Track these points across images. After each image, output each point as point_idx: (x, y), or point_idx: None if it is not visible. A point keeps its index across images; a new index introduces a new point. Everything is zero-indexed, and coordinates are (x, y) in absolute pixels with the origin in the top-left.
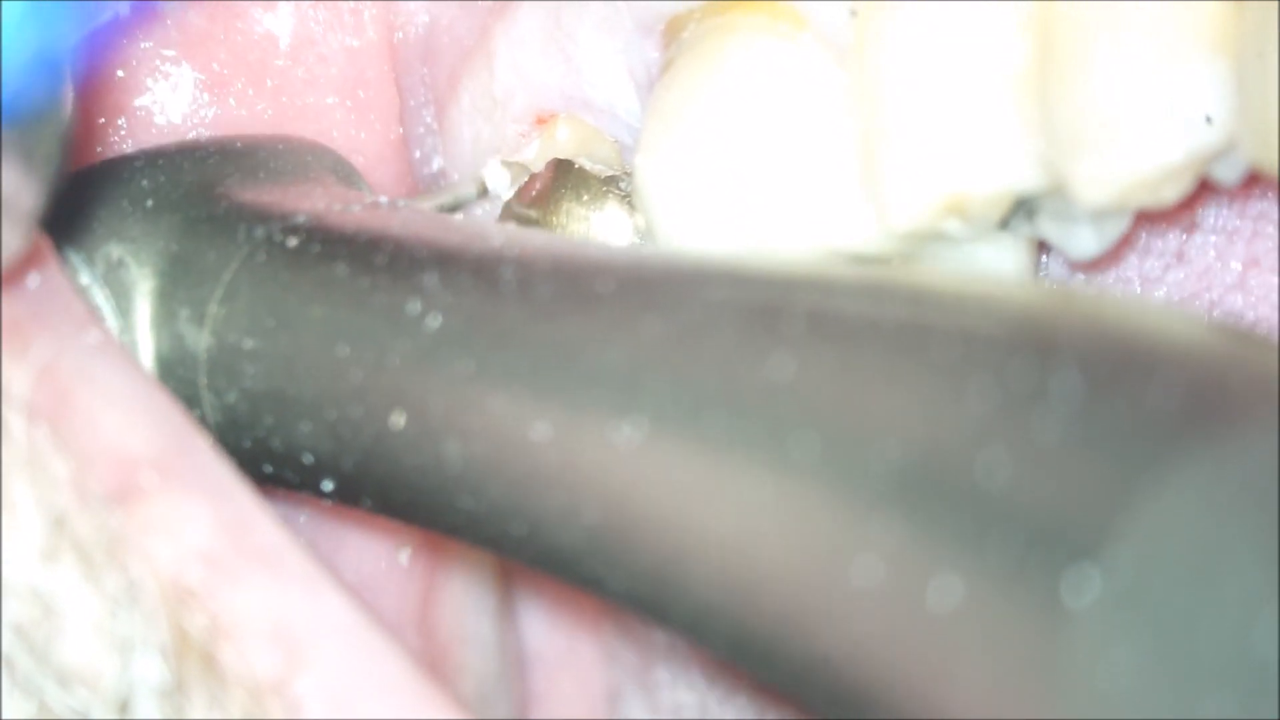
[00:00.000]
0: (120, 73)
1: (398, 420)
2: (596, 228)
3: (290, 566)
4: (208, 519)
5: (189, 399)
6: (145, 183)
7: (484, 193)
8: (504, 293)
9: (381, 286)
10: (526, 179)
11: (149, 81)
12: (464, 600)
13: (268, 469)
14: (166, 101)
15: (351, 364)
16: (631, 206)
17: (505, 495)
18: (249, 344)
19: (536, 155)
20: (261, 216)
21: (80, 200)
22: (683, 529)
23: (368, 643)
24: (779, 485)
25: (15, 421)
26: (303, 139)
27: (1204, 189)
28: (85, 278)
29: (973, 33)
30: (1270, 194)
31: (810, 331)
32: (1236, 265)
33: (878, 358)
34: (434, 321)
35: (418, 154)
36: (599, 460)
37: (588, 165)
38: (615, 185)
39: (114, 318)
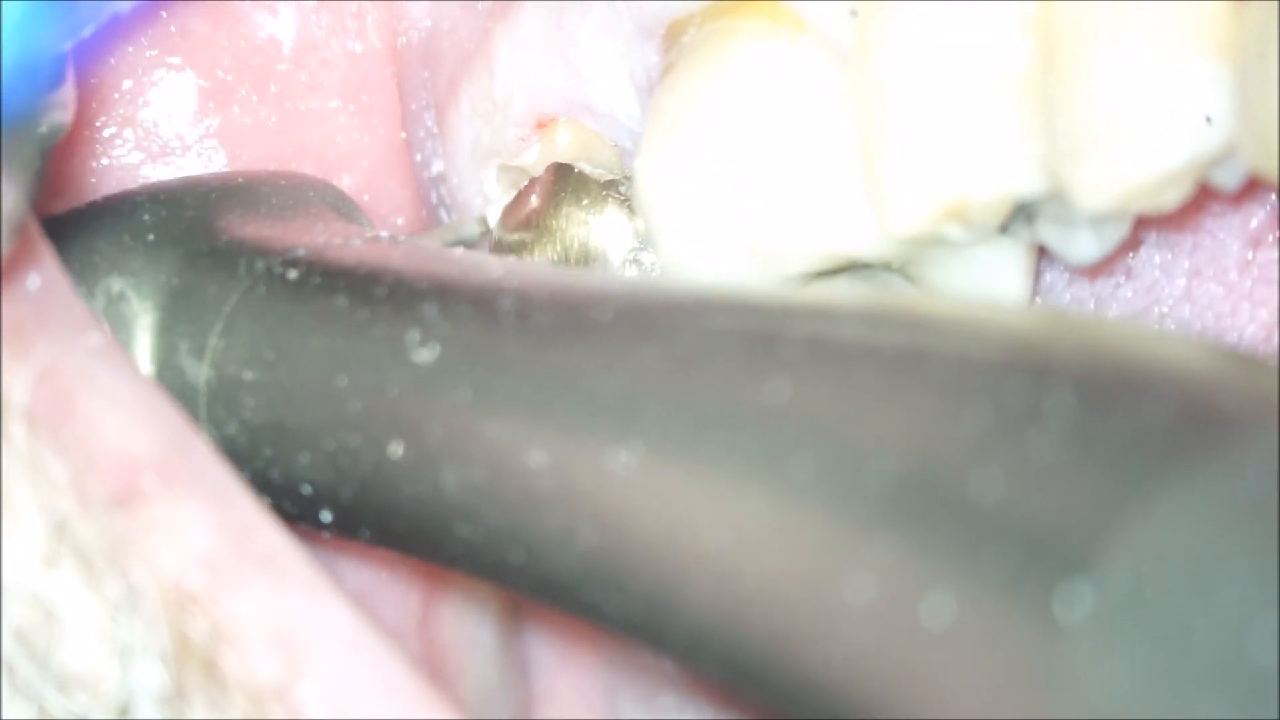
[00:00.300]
0: (127, 82)
1: (396, 449)
2: (596, 232)
3: (292, 571)
4: (209, 523)
5: None
6: (147, 217)
7: (486, 231)
8: (502, 322)
9: (381, 317)
10: (526, 183)
11: (154, 91)
12: (464, 606)
13: (267, 501)
14: (172, 110)
15: (350, 394)
16: (631, 210)
17: (502, 522)
18: (248, 376)
19: (536, 159)
20: (262, 250)
21: (82, 234)
22: (679, 551)
23: (369, 648)
24: (775, 506)
25: (15, 425)
26: (304, 175)
27: (1205, 195)
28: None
29: (973, 35)
30: (1206, 205)
31: (807, 356)
32: (1181, 279)
33: (874, 380)
34: (431, 351)
35: (418, 158)
36: (596, 485)
37: (588, 169)
38: (615, 189)
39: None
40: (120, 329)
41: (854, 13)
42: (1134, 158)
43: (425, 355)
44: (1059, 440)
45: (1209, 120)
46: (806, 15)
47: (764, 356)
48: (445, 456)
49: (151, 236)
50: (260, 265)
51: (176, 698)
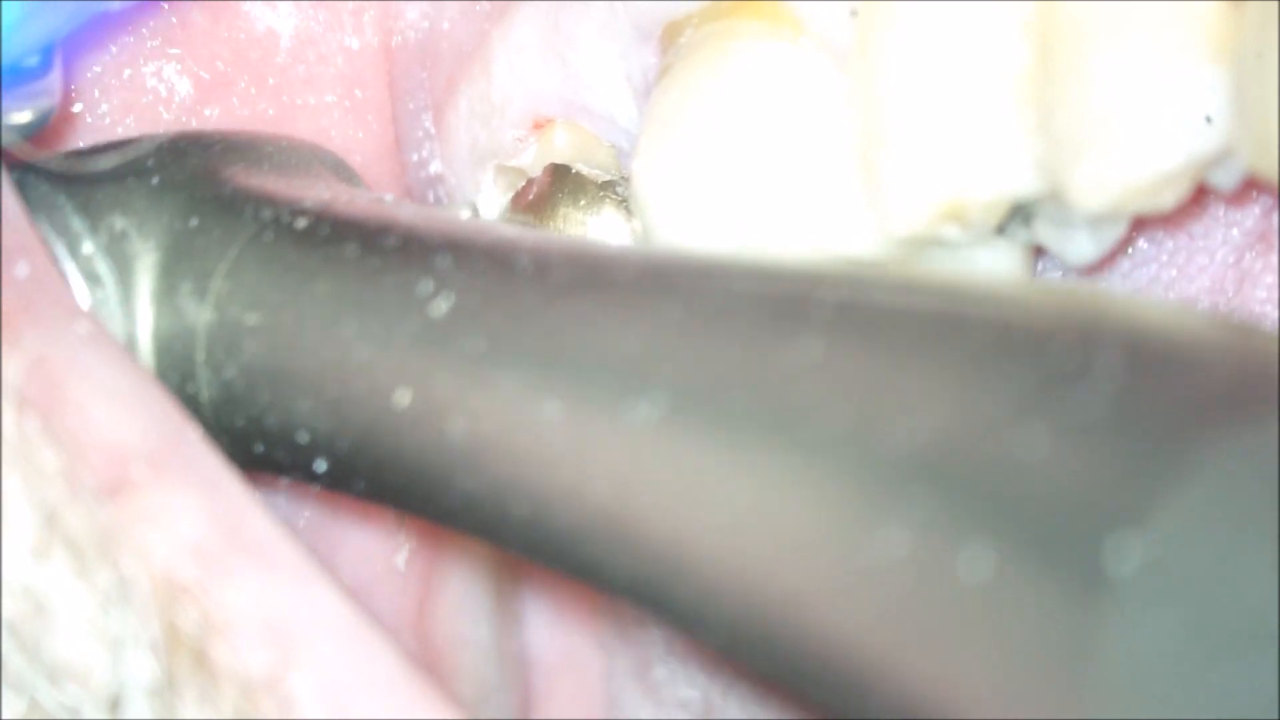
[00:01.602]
0: (127, 72)
1: (402, 397)
2: (593, 233)
3: (283, 560)
4: (200, 512)
5: (184, 374)
6: (150, 162)
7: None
8: (520, 275)
9: (392, 266)
10: (523, 184)
11: (153, 81)
12: (460, 604)
13: (259, 448)
14: (172, 99)
15: (357, 340)
16: (629, 212)
17: (510, 473)
18: (252, 319)
19: (534, 160)
20: (269, 200)
21: (83, 173)
22: (697, 506)
23: (362, 637)
24: (803, 461)
25: (7, 415)
26: (304, 140)
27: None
28: (88, 246)
29: (972, 36)
30: (1204, 204)
31: (840, 316)
32: (1176, 274)
33: (913, 339)
34: (446, 301)
35: (416, 157)
36: (613, 437)
37: (585, 170)
38: (612, 190)
39: (115, 288)
40: (121, 267)
41: (854, 13)
42: (1132, 158)
43: (439, 305)
44: (1108, 398)
45: (1208, 121)
46: (805, 16)
47: (794, 316)
48: (454, 405)
49: (155, 180)
50: (267, 213)
51: (167, 689)
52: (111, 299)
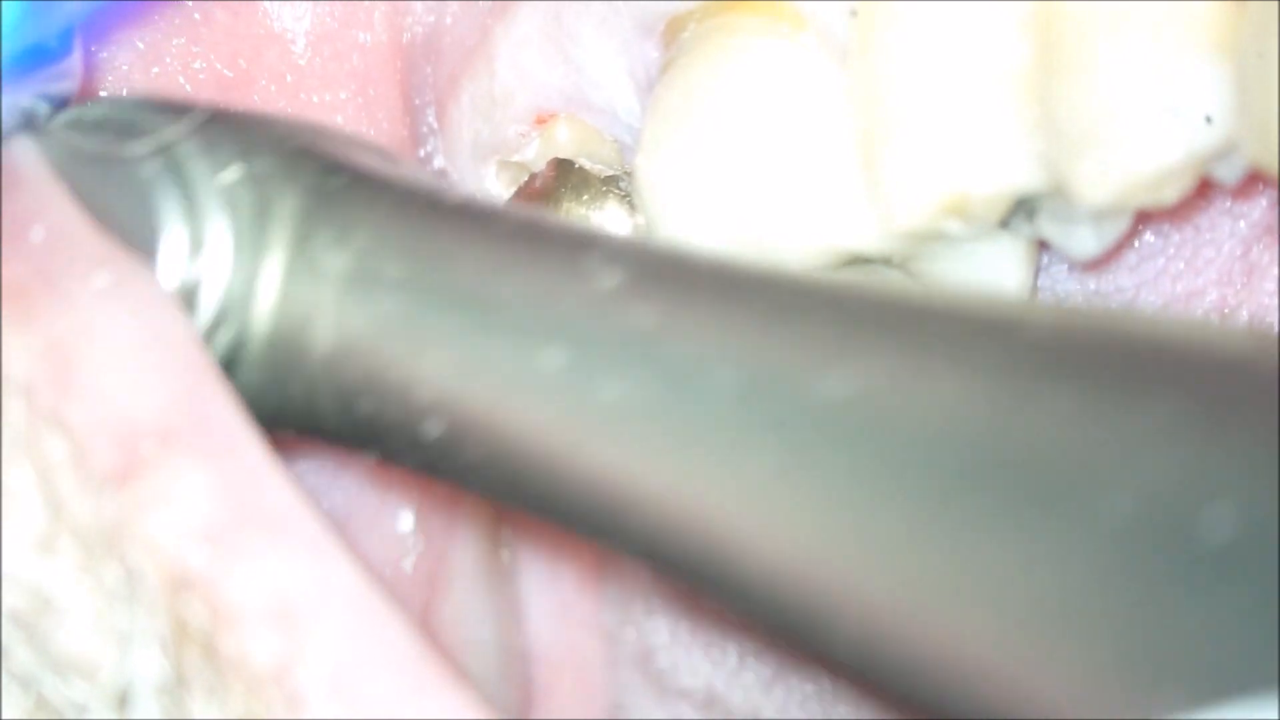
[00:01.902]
0: (155, 70)
1: (554, 358)
2: (596, 227)
3: (297, 530)
4: (211, 486)
5: (305, 320)
6: (279, 130)
7: None
8: (694, 262)
9: (553, 240)
10: (526, 179)
11: (181, 78)
12: (465, 605)
13: (368, 405)
14: (198, 98)
15: (512, 300)
16: (632, 206)
17: (662, 443)
18: (395, 271)
19: (536, 155)
20: (412, 178)
21: (217, 118)
22: (893, 475)
23: (374, 617)
24: (1016, 436)
25: (15, 402)
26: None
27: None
28: (234, 173)
29: (973, 32)
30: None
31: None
32: (1180, 269)
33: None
34: (613, 276)
35: (421, 153)
36: (795, 410)
37: (588, 165)
38: (615, 185)
39: (250, 220)
40: (259, 204)
41: (854, 11)
42: (1134, 153)
43: (607, 277)
44: None
45: (1209, 118)
46: (807, 12)
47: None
48: (612, 370)
49: (291, 144)
50: (413, 186)
51: (177, 686)
52: (245, 231)
